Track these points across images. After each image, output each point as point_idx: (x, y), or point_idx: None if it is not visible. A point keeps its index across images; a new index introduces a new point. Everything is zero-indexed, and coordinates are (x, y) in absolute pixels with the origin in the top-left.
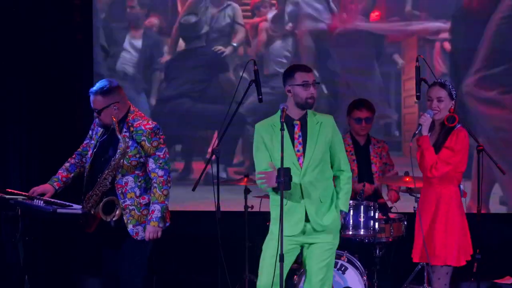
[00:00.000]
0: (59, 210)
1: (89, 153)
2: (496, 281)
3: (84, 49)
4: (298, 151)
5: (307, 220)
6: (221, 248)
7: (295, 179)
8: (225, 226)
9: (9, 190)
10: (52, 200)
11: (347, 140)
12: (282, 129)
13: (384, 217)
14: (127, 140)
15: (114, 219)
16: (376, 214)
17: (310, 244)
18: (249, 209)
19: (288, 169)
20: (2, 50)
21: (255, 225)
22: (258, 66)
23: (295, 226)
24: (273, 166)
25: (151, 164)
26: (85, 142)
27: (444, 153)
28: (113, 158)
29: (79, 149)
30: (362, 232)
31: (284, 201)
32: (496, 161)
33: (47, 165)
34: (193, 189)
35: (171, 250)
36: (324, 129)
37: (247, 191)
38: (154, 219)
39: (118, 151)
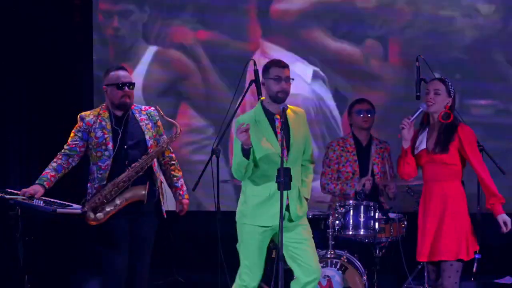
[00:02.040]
0: (59, 210)
1: (110, 145)
2: (496, 281)
3: (84, 49)
4: (281, 145)
5: (286, 210)
6: (221, 248)
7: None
8: (225, 226)
9: (9, 190)
10: (52, 200)
11: (349, 141)
12: (282, 129)
13: (384, 217)
14: (148, 123)
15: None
16: (376, 214)
17: (291, 229)
18: None
19: (288, 169)
20: (2, 50)
21: None
22: None
23: (274, 217)
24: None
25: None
26: (73, 142)
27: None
28: (152, 149)
29: (65, 150)
30: (362, 232)
31: (267, 191)
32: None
33: (47, 165)
34: (193, 189)
35: (171, 250)
36: (301, 123)
37: None
38: (186, 192)
39: (162, 141)
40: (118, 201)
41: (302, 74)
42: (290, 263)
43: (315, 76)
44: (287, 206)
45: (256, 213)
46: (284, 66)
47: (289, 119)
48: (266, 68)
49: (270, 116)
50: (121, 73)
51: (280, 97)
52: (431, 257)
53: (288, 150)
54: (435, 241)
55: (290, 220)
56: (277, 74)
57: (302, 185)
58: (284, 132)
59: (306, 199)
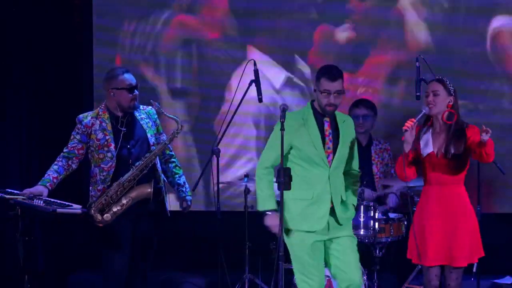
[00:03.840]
0: (59, 210)
1: (112, 146)
2: (496, 281)
3: (84, 49)
4: (329, 148)
5: (330, 214)
6: (221, 248)
7: (324, 176)
8: (225, 226)
9: (9, 190)
10: (52, 200)
11: None
12: (282, 129)
13: (384, 217)
14: (147, 120)
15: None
16: (376, 214)
17: (336, 238)
18: (249, 209)
19: (288, 169)
20: (1, 50)
21: (255, 225)
22: None
23: (320, 220)
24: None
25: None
26: (72, 144)
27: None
28: (155, 147)
29: (64, 153)
30: (362, 232)
31: (310, 194)
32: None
33: (47, 166)
34: (193, 189)
35: (171, 250)
36: (348, 129)
37: (247, 191)
38: (189, 189)
39: (165, 138)
40: (124, 201)
41: None
42: (332, 270)
43: None
44: (332, 209)
45: (300, 218)
46: (335, 79)
47: (338, 124)
48: (318, 76)
49: (319, 117)
50: (130, 76)
51: (328, 111)
52: (447, 261)
53: (333, 154)
54: (452, 246)
55: (338, 223)
56: (326, 89)
57: (349, 192)
58: (333, 136)
59: (354, 206)
